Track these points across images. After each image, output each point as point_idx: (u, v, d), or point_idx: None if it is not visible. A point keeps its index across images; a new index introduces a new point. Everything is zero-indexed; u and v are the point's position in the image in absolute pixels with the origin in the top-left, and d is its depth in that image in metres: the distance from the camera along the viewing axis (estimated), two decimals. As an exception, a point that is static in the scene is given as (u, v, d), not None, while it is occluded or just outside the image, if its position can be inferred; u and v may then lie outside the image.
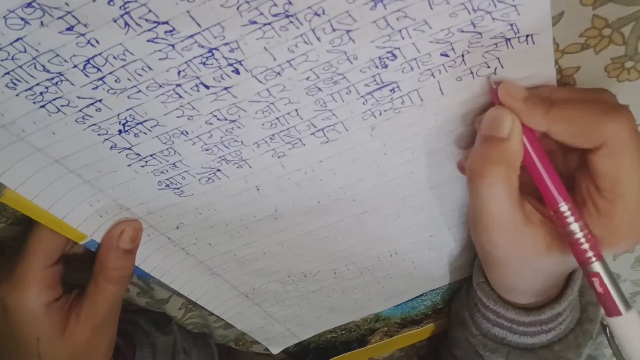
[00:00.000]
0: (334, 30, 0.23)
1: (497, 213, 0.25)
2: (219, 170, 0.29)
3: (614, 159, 0.23)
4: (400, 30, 0.23)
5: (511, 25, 0.23)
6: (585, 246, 0.24)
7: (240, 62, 0.24)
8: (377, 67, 0.25)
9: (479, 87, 0.26)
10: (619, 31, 0.26)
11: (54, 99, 0.24)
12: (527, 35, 0.24)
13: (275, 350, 0.47)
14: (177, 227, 0.32)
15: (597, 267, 0.24)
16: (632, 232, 0.25)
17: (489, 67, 0.25)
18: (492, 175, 0.24)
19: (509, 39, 0.24)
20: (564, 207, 0.25)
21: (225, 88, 0.25)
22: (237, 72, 0.24)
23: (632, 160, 0.23)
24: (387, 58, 0.25)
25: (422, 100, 0.27)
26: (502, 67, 0.25)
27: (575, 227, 0.24)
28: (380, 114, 0.27)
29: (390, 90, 0.26)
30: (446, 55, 0.25)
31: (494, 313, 0.33)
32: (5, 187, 0.27)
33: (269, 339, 0.45)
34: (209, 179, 0.30)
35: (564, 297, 0.31)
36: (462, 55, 0.25)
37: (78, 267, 0.33)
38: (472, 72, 0.26)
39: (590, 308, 0.34)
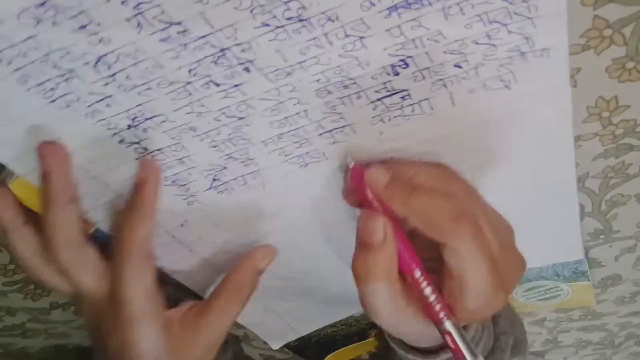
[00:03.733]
0: (346, 36, 0.23)
1: (380, 311, 0.27)
2: (225, 168, 0.29)
3: (457, 258, 0.25)
4: (413, 40, 0.23)
5: (527, 38, 0.23)
6: (437, 307, 0.27)
7: (251, 61, 0.24)
8: (388, 74, 0.25)
9: (491, 100, 0.26)
10: (620, 32, 0.26)
11: (64, 95, 0.24)
12: (543, 49, 0.23)
13: (275, 345, 0.47)
14: (182, 225, 0.33)
15: (448, 326, 0.27)
16: (476, 315, 0.27)
17: (502, 80, 0.25)
18: (374, 286, 0.26)
19: (523, 53, 0.24)
20: (417, 273, 0.27)
21: (235, 85, 0.25)
22: (247, 70, 0.24)
23: (476, 263, 0.25)
24: (399, 66, 0.24)
25: (432, 109, 0.26)
26: (516, 81, 0.25)
27: (428, 290, 0.27)
28: (390, 120, 0.27)
29: (401, 98, 0.26)
30: (459, 67, 0.24)
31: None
32: (7, 181, 0.28)
33: (269, 334, 0.46)
34: (215, 176, 0.30)
35: None
36: (476, 68, 0.24)
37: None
38: (485, 85, 0.25)
39: (502, 337, 0.36)
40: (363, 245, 0.27)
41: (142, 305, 0.29)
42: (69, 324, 0.41)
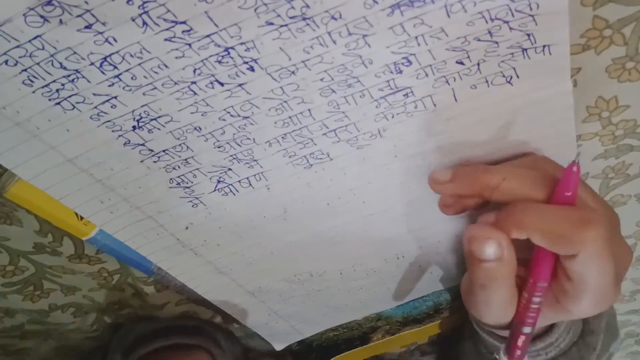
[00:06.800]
0: (350, 34, 0.23)
1: (494, 309, 0.28)
2: (229, 169, 0.29)
3: (584, 266, 0.24)
4: (416, 37, 0.23)
5: (528, 35, 0.23)
6: (532, 314, 0.28)
7: (255, 60, 0.24)
8: (391, 72, 0.25)
9: (493, 96, 0.26)
10: (620, 32, 0.26)
11: (70, 96, 0.24)
12: (544, 46, 0.24)
13: (278, 347, 0.47)
14: (187, 228, 0.32)
15: (527, 330, 0.29)
16: (587, 313, 0.27)
17: (504, 76, 0.25)
18: (491, 288, 0.27)
19: (525, 49, 0.24)
20: (543, 284, 0.27)
21: (240, 85, 0.25)
22: (252, 69, 0.24)
23: (601, 265, 0.24)
24: (402, 64, 0.25)
25: (435, 105, 0.27)
26: (518, 76, 0.25)
27: (537, 299, 0.28)
28: (393, 117, 0.27)
29: (404, 95, 0.26)
30: (462, 63, 0.25)
31: (494, 346, 0.34)
32: (9, 184, 0.28)
33: (272, 335, 0.45)
34: (220, 178, 0.30)
35: (554, 329, 0.33)
36: (478, 64, 0.25)
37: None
38: (487, 81, 0.25)
39: (592, 319, 0.35)
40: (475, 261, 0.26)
41: None
42: (67, 326, 0.41)
